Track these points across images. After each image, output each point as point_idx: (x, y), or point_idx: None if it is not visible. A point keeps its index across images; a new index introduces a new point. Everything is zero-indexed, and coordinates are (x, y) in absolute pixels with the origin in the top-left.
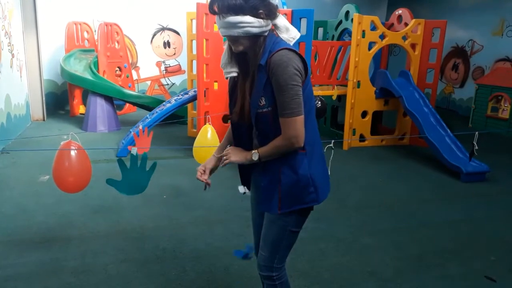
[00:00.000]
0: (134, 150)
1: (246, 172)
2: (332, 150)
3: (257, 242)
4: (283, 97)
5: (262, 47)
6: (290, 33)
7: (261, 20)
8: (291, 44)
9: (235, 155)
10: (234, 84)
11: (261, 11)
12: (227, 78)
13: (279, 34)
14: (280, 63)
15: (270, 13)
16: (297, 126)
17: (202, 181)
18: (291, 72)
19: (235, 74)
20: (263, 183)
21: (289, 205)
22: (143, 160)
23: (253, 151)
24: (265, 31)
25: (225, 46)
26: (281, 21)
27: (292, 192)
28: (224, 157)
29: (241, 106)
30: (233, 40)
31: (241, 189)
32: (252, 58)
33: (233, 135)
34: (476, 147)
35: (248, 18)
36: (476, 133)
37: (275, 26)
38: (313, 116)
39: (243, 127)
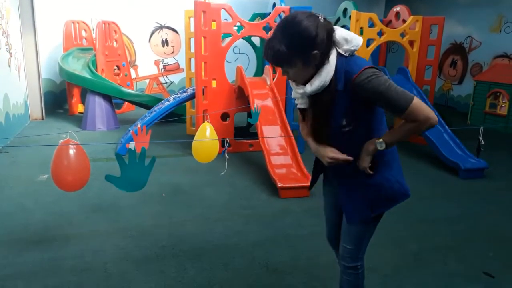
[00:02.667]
0: (132, 145)
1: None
2: None
3: (331, 233)
4: (388, 100)
5: (333, 73)
6: (351, 43)
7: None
8: (354, 53)
9: (363, 158)
10: (303, 109)
11: (315, 52)
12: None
13: (340, 49)
14: (367, 80)
15: (326, 47)
16: (421, 108)
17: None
18: (380, 80)
19: (303, 106)
20: (347, 199)
21: (379, 208)
22: (141, 156)
23: (376, 141)
24: (328, 59)
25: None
26: (338, 34)
27: (381, 196)
28: (333, 162)
29: (317, 125)
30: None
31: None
32: (323, 87)
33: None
34: (483, 142)
35: (299, 65)
36: (481, 127)
37: (334, 43)
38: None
39: (327, 141)
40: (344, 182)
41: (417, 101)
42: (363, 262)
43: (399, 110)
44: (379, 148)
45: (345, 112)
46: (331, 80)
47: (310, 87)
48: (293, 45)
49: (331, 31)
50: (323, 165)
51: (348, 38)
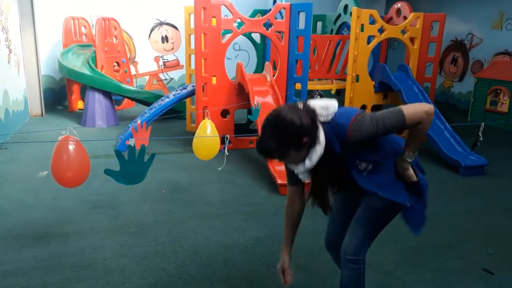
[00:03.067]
0: (132, 141)
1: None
2: None
3: (336, 236)
4: (387, 131)
5: (324, 143)
6: (328, 109)
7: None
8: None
9: (407, 169)
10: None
11: (305, 139)
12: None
13: (322, 118)
14: (359, 131)
15: (314, 131)
16: (414, 110)
17: (289, 282)
18: (367, 122)
19: (306, 180)
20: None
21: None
22: (141, 152)
23: (405, 155)
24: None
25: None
26: (317, 106)
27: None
28: (411, 177)
29: (329, 183)
30: None
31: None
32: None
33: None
34: (481, 138)
35: (293, 153)
36: (482, 123)
37: (315, 115)
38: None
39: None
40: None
41: (406, 109)
42: (365, 258)
43: (402, 125)
44: (409, 160)
45: (359, 160)
46: (325, 147)
47: (309, 162)
48: (283, 140)
49: (314, 114)
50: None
51: (325, 106)
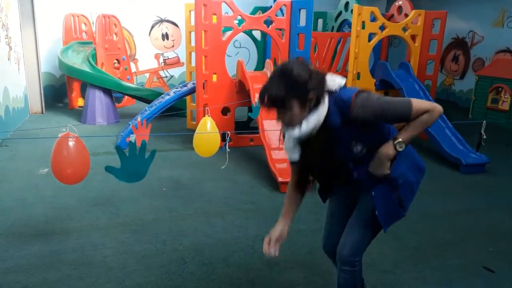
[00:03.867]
0: (132, 138)
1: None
2: None
3: (335, 237)
4: (390, 113)
5: (326, 110)
6: (335, 82)
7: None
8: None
9: (385, 159)
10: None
11: (311, 93)
12: (292, 162)
13: (328, 87)
14: (363, 107)
15: (321, 89)
16: (422, 101)
17: (269, 254)
18: (373, 101)
19: (296, 159)
20: (380, 211)
21: (407, 204)
22: (142, 148)
23: (395, 142)
24: (323, 99)
25: (284, 131)
26: (326, 76)
27: (408, 193)
28: (384, 169)
29: (325, 160)
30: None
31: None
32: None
33: (322, 177)
34: (484, 136)
35: (296, 106)
36: (484, 122)
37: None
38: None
39: (336, 170)
40: (379, 189)
41: (414, 99)
42: (361, 260)
43: (406, 115)
44: (399, 149)
45: (355, 141)
46: (325, 119)
47: (306, 126)
48: (290, 87)
49: (323, 74)
50: (331, 177)
51: (333, 78)
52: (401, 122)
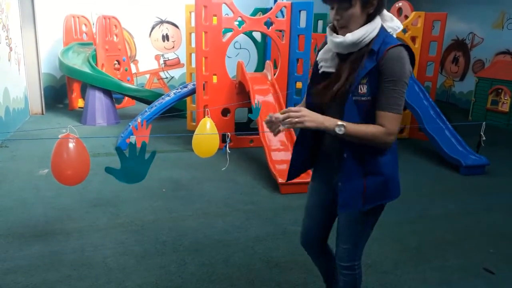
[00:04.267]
0: (133, 139)
1: (302, 166)
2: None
3: (313, 234)
4: (394, 92)
5: (376, 32)
6: (394, 23)
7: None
8: (394, 34)
9: (311, 120)
10: (324, 74)
11: (372, 4)
12: (321, 71)
13: (384, 23)
14: (399, 58)
15: (381, 3)
16: (398, 124)
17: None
18: (407, 70)
19: (332, 70)
20: (344, 185)
21: (372, 202)
22: (142, 149)
23: (338, 122)
24: (380, 13)
25: (326, 45)
26: (386, 12)
27: (377, 190)
28: (295, 118)
29: (330, 86)
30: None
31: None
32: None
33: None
34: (484, 138)
35: (356, 5)
36: (483, 123)
37: (381, 14)
38: None
39: (334, 117)
40: (351, 171)
41: (400, 118)
42: (361, 263)
43: (386, 106)
44: (336, 131)
45: (367, 77)
46: (369, 41)
47: (351, 36)
48: None
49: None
50: (312, 158)
51: (394, 18)
52: (378, 108)
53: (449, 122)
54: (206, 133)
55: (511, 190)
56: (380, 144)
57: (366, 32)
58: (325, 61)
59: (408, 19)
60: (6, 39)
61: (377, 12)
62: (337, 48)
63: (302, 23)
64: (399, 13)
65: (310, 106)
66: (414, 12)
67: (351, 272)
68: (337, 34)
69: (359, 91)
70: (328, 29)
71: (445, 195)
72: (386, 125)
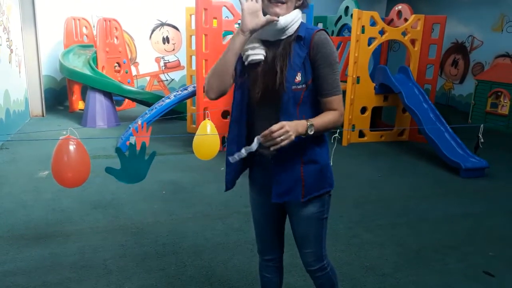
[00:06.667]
0: (133, 139)
1: (237, 169)
2: (336, 138)
3: (267, 242)
4: (333, 75)
5: (299, 23)
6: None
7: None
8: None
9: (294, 131)
10: (251, 65)
11: None
12: (250, 62)
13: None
14: (327, 41)
15: (306, 3)
16: (342, 103)
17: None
18: (335, 53)
19: (262, 57)
20: (280, 177)
21: (310, 192)
22: (141, 149)
23: (308, 123)
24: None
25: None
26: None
27: (315, 179)
28: (284, 139)
29: (266, 76)
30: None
31: (244, 151)
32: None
33: (255, 118)
34: (482, 140)
35: None
36: (482, 125)
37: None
38: None
39: (268, 108)
40: (284, 158)
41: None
42: (328, 259)
43: (332, 91)
44: (309, 132)
45: (300, 66)
46: (296, 29)
47: (284, 18)
48: None
49: None
50: (247, 158)
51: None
52: (323, 93)
53: (449, 124)
54: (206, 134)
55: (511, 192)
56: (336, 128)
57: (296, 16)
58: (253, 49)
59: (408, 22)
60: (7, 41)
61: (301, 7)
62: (265, 33)
63: None
64: (398, 16)
65: (239, 102)
66: (413, 15)
67: (323, 272)
68: None
69: (295, 80)
70: None
71: (445, 198)
72: (338, 108)
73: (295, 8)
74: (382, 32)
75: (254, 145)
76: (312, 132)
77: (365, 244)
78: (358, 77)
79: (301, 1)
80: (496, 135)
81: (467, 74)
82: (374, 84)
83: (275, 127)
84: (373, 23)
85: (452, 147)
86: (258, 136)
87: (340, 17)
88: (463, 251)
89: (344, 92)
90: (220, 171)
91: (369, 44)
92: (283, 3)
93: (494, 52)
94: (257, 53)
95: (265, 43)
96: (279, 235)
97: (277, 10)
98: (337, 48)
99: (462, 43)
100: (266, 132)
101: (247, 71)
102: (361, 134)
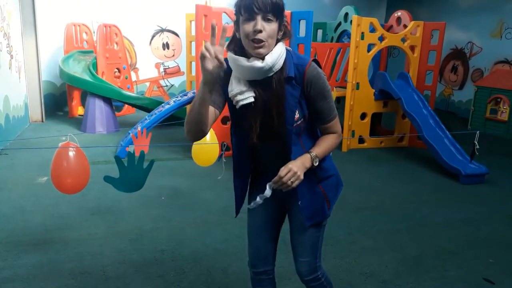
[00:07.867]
0: (131, 148)
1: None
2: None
3: (262, 252)
4: (329, 103)
5: (284, 57)
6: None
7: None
8: None
9: (301, 170)
10: (242, 107)
11: (285, 22)
12: (240, 105)
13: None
14: (319, 76)
15: (287, 32)
16: (339, 123)
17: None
18: (327, 82)
19: (252, 100)
20: (305, 202)
21: (333, 202)
22: (140, 158)
23: (311, 155)
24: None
25: (232, 76)
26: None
27: (333, 190)
28: (294, 181)
29: (264, 124)
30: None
31: (259, 199)
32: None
33: (257, 157)
34: (477, 146)
35: (276, 25)
36: (477, 132)
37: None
38: None
39: (271, 145)
40: (304, 183)
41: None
42: (323, 269)
43: (330, 117)
44: (314, 164)
45: (296, 105)
46: (282, 65)
47: (270, 57)
48: (282, 4)
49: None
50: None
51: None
52: (321, 121)
53: (449, 130)
54: (205, 142)
55: (511, 199)
56: (336, 147)
57: (281, 51)
58: (241, 93)
59: (407, 29)
60: (7, 47)
61: (286, 35)
62: (253, 75)
63: (302, 32)
64: (398, 22)
65: (239, 147)
66: (413, 22)
67: (317, 283)
68: (246, 57)
69: (294, 119)
70: (231, 55)
71: (445, 204)
72: (337, 130)
73: (278, 41)
74: (381, 39)
75: (268, 192)
76: (317, 163)
77: (364, 250)
78: (357, 83)
79: (282, 32)
80: (495, 141)
81: (467, 80)
82: (374, 90)
83: (282, 172)
84: (373, 30)
85: (451, 153)
86: (270, 183)
87: (339, 24)
88: (463, 257)
89: (343, 99)
90: (217, 178)
91: (368, 50)
92: (264, 42)
93: (493, 58)
94: (246, 97)
95: (253, 83)
96: (273, 244)
97: (261, 51)
98: (337, 54)
99: (461, 49)
100: (276, 178)
101: (239, 115)
102: (361, 140)
